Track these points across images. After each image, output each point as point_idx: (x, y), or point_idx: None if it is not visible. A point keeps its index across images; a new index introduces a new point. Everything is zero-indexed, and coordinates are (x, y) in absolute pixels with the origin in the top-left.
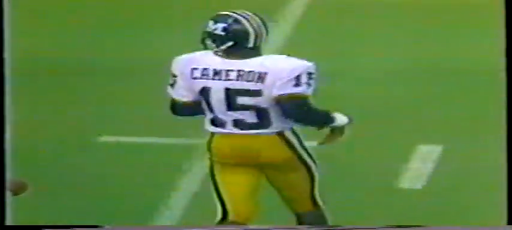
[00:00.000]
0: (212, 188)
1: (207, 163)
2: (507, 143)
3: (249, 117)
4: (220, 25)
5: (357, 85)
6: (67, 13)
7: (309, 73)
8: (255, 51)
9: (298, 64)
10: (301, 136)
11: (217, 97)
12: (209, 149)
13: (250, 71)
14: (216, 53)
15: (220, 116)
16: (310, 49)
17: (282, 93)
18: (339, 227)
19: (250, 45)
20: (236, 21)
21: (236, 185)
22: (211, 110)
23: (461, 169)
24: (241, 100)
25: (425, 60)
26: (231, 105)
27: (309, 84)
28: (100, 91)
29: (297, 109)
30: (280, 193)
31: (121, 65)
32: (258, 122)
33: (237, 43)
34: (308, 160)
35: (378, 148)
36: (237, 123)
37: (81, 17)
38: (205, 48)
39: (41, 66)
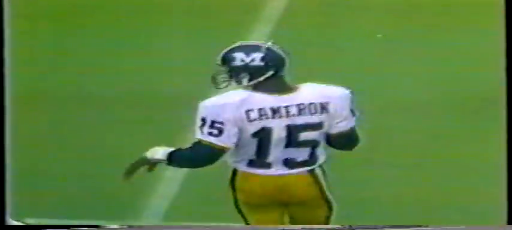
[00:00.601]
0: (240, 217)
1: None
2: (507, 143)
3: (302, 155)
4: (257, 55)
5: None
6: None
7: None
8: (285, 79)
9: (347, 92)
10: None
11: (278, 136)
12: (234, 189)
13: (311, 103)
14: (254, 89)
15: (269, 158)
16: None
17: (352, 125)
18: (338, 227)
19: (284, 73)
20: (269, 49)
21: (266, 223)
22: (259, 151)
23: (462, 169)
24: (303, 136)
25: (423, 61)
26: (290, 143)
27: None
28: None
29: (357, 137)
30: None
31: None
32: (307, 159)
33: (276, 72)
34: (331, 197)
35: None
36: (287, 162)
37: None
38: (227, 84)
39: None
